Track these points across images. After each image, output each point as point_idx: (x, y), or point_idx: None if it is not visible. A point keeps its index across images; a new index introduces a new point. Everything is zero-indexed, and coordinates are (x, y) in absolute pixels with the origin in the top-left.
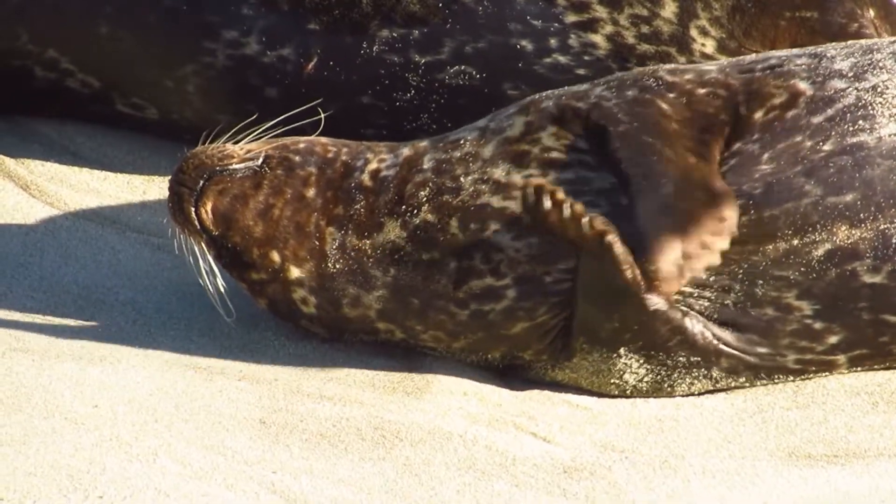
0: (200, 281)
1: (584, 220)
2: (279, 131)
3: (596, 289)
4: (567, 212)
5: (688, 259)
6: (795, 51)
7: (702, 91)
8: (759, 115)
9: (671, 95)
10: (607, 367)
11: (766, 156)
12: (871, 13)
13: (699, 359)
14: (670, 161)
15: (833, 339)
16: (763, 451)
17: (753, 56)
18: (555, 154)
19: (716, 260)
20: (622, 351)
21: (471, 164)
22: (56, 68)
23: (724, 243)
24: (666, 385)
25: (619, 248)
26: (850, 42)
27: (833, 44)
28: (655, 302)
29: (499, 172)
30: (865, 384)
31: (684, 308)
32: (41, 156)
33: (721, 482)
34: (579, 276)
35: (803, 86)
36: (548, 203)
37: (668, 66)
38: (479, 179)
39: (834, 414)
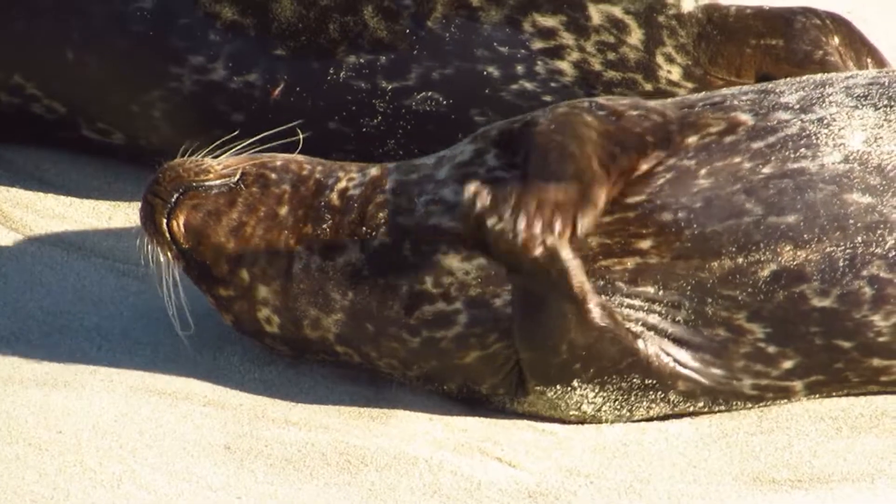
0: (159, 291)
1: (523, 231)
2: (258, 149)
3: (535, 320)
4: (507, 216)
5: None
6: (745, 87)
7: (634, 113)
8: (693, 139)
9: (601, 113)
10: (564, 401)
11: (703, 171)
12: (836, 41)
13: (654, 381)
14: (572, 156)
15: (788, 364)
16: (727, 476)
17: (700, 94)
18: (498, 173)
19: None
20: (576, 383)
21: (425, 185)
22: (21, 94)
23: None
24: (625, 410)
25: (566, 253)
26: (805, 77)
27: (786, 79)
28: (598, 314)
29: (448, 192)
30: (829, 409)
31: (637, 329)
32: (6, 181)
33: None
34: (515, 312)
35: (745, 117)
36: (485, 202)
37: (607, 96)
38: (431, 200)
39: (798, 439)
